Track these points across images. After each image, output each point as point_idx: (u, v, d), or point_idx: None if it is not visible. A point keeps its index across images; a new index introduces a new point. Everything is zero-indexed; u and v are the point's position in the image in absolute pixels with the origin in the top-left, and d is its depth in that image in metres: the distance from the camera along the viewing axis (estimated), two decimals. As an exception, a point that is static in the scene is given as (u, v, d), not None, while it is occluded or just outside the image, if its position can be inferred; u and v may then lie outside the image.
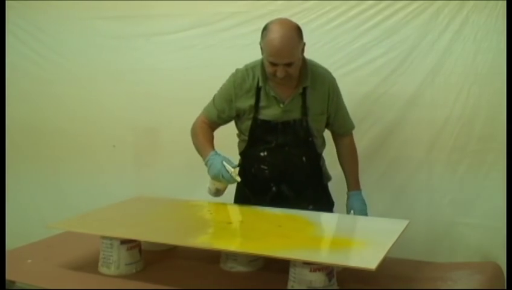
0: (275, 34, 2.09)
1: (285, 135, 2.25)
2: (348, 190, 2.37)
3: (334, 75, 2.76)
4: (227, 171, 2.11)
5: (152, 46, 3.23)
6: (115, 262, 1.87)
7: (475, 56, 2.57)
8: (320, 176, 2.39)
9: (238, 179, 2.12)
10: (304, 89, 2.24)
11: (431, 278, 1.92)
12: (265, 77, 2.23)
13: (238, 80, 2.28)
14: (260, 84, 2.24)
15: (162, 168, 3.26)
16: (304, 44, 2.17)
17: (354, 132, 2.82)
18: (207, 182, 2.25)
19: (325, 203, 2.39)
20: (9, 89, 3.20)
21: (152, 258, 2.00)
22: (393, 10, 2.68)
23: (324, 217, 2.22)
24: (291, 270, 1.68)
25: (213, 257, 1.96)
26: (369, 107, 2.79)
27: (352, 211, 2.29)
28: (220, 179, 2.14)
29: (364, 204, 2.33)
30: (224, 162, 2.13)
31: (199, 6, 3.08)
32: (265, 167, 2.30)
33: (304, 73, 2.23)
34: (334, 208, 2.43)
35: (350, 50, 2.78)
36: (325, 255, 1.71)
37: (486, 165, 2.61)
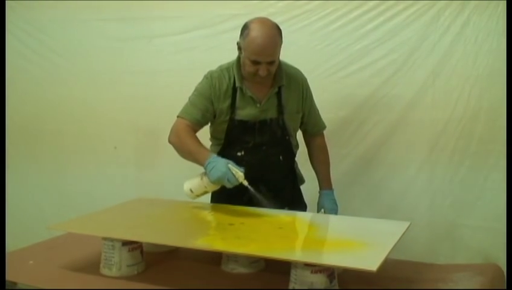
0: (259, 32, 2.09)
1: (263, 135, 2.24)
2: (320, 189, 2.37)
3: (335, 77, 2.78)
4: (233, 175, 2.03)
5: (153, 48, 3.24)
6: (117, 263, 1.87)
7: (476, 58, 2.58)
8: (294, 178, 2.40)
9: (246, 183, 2.03)
10: (279, 88, 2.25)
11: (432, 279, 1.92)
12: (241, 77, 2.23)
13: (214, 81, 2.25)
14: (237, 84, 2.23)
15: (163, 170, 3.26)
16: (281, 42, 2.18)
17: (355, 133, 2.83)
18: (185, 183, 2.20)
19: (299, 206, 2.38)
20: (10, 90, 3.21)
21: (153, 260, 2.00)
22: (394, 12, 2.68)
23: (325, 218, 2.22)
24: (293, 272, 1.68)
25: (214, 259, 1.96)
26: (371, 108, 2.79)
27: (322, 210, 2.30)
28: (223, 182, 2.04)
29: (335, 203, 2.33)
30: (230, 165, 2.04)
31: (200, 8, 3.08)
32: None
33: (279, 72, 2.24)
34: (307, 211, 2.42)
35: (351, 52, 2.78)
36: (326, 257, 1.71)
37: (487, 166, 2.61)
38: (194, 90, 2.30)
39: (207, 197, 2.40)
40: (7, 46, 3.40)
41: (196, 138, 2.25)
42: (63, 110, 3.53)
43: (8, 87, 3.12)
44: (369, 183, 2.84)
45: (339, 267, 1.69)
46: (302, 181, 2.45)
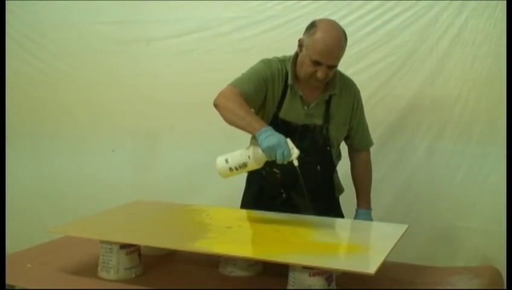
0: (327, 33, 2.01)
1: (304, 140, 2.12)
2: (358, 207, 2.31)
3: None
4: (289, 150, 1.84)
5: (152, 51, 3.24)
6: (114, 267, 1.87)
7: (474, 60, 2.58)
8: (332, 188, 2.32)
9: (297, 162, 1.86)
10: (330, 96, 2.16)
11: (430, 282, 1.91)
12: (294, 75, 2.13)
13: (272, 68, 2.13)
14: (289, 81, 2.13)
15: (161, 173, 3.26)
16: None
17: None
18: (220, 156, 1.95)
19: (335, 216, 2.25)
20: (10, 93, 3.20)
21: (151, 263, 2.00)
22: (392, 15, 2.69)
23: (323, 221, 2.22)
24: (291, 275, 1.68)
25: (212, 262, 1.96)
26: (369, 111, 2.75)
27: None
28: (276, 152, 1.83)
29: None
30: (289, 140, 1.87)
31: (199, 11, 3.09)
32: (278, 171, 2.18)
33: (333, 80, 2.15)
34: None
35: (349, 55, 2.76)
36: (324, 260, 1.70)
37: (485, 169, 2.62)
38: (249, 69, 2.15)
39: (208, 199, 2.40)
40: (7, 51, 3.41)
41: (246, 104, 2.03)
42: (62, 113, 3.53)
43: (8, 90, 3.12)
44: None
45: (337, 270, 1.69)
46: (341, 191, 2.37)
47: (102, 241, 1.89)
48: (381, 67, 2.74)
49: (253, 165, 1.93)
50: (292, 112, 2.15)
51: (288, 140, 1.86)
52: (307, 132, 2.15)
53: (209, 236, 2.01)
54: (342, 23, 2.74)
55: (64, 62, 3.49)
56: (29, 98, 3.61)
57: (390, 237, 1.81)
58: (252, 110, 2.09)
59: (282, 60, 2.17)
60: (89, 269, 1.94)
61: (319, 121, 2.17)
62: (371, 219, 2.28)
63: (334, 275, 1.69)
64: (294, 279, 1.66)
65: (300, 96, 2.14)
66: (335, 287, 1.69)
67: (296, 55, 2.14)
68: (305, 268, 1.63)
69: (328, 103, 2.17)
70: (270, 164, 1.99)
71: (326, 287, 1.65)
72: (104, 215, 2.23)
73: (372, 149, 2.80)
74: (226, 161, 1.93)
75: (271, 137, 1.85)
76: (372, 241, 1.83)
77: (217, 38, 3.05)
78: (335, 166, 2.31)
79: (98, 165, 3.43)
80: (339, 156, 2.32)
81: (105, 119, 3.40)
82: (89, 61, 3.42)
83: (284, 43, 2.85)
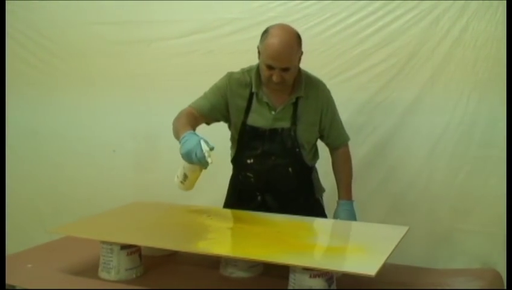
0: (275, 38, 2.09)
1: (272, 143, 2.22)
2: (339, 198, 2.33)
3: (334, 81, 2.78)
4: (202, 151, 1.91)
5: (153, 52, 3.24)
6: (115, 267, 1.87)
7: (475, 63, 2.58)
8: (310, 189, 2.36)
9: (210, 160, 1.91)
10: (297, 98, 2.23)
11: (430, 284, 1.92)
12: (259, 82, 2.23)
13: (233, 81, 2.26)
14: (253, 89, 2.23)
15: (162, 173, 3.25)
16: (302, 53, 2.18)
17: (354, 137, 2.82)
18: (177, 169, 2.09)
19: (316, 217, 2.28)
20: (9, 93, 3.20)
21: (152, 264, 2.00)
22: (393, 17, 2.69)
23: (324, 223, 2.22)
24: (291, 276, 1.68)
25: (213, 263, 1.96)
26: (369, 113, 2.80)
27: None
28: (191, 158, 1.94)
29: (352, 215, 2.27)
30: (202, 141, 1.95)
31: (200, 12, 3.09)
32: (251, 175, 2.27)
33: (298, 82, 2.23)
34: None
35: (350, 56, 2.79)
36: (324, 261, 1.71)
37: (485, 171, 2.62)
38: (212, 86, 2.32)
39: (209, 200, 2.40)
40: (7, 51, 3.41)
41: (189, 119, 2.20)
42: (62, 113, 3.53)
43: (8, 91, 3.12)
44: (368, 188, 2.83)
45: (337, 272, 1.69)
46: (322, 191, 2.41)
47: (103, 242, 1.89)
48: (382, 69, 2.74)
49: (191, 173, 2.03)
50: (260, 117, 2.24)
51: (202, 141, 1.94)
52: (275, 135, 2.23)
53: (210, 237, 2.01)
54: (343, 25, 2.78)
55: (64, 62, 3.48)
56: (29, 98, 3.60)
57: (391, 239, 1.81)
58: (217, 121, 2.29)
59: (247, 70, 2.28)
60: (90, 270, 1.94)
61: (286, 124, 2.23)
62: (352, 210, 2.29)
63: (334, 277, 1.69)
64: (294, 280, 1.67)
65: (266, 103, 2.23)
66: (335, 289, 1.69)
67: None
68: (306, 269, 1.63)
69: (295, 105, 2.23)
70: (244, 168, 2.17)
71: (326, 289, 1.65)
72: (104, 215, 2.23)
73: (373, 150, 2.81)
74: (177, 176, 2.09)
75: (185, 144, 1.96)
76: (372, 243, 1.83)
77: (218, 40, 3.05)
78: (310, 167, 2.34)
79: (98, 166, 3.43)
80: (315, 157, 2.37)
81: (106, 119, 3.40)
82: (89, 62, 3.42)
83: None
